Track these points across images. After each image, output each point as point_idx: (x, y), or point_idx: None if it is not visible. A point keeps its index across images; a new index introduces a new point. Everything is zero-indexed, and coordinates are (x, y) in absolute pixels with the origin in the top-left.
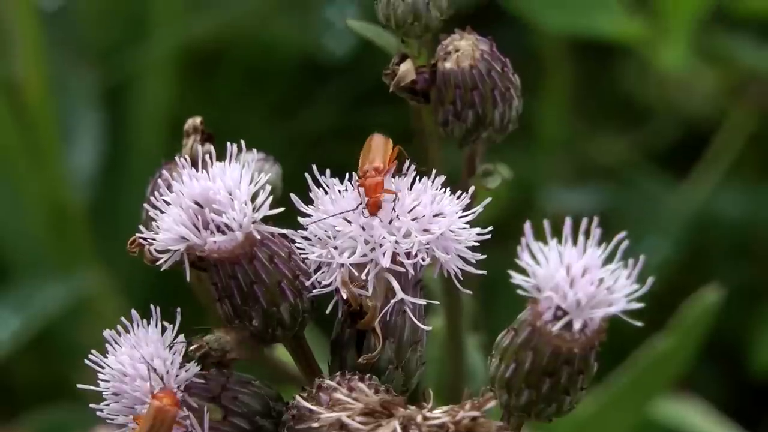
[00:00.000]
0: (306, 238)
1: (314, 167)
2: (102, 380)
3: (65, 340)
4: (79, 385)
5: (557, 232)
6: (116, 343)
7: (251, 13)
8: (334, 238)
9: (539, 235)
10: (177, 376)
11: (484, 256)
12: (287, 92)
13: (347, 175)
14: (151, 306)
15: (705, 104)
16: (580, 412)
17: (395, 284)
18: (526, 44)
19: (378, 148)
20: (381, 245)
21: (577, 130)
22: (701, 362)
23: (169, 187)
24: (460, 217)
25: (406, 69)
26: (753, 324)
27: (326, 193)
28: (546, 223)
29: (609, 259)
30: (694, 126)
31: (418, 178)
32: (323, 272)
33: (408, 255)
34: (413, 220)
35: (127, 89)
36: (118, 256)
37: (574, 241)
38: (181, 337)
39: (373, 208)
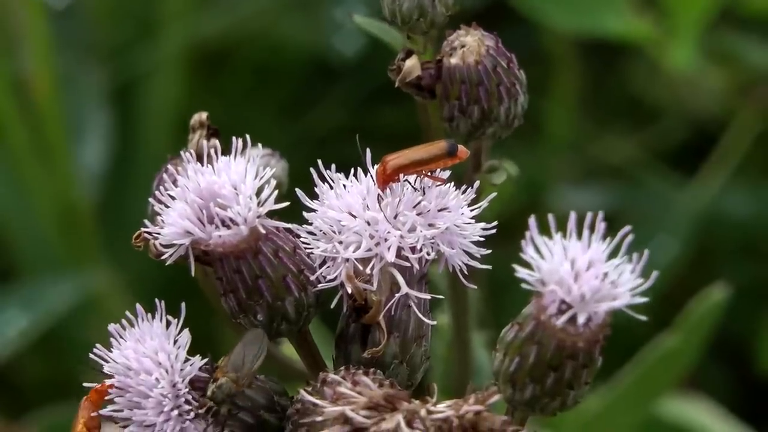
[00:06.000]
0: (311, 233)
1: (320, 163)
2: (107, 374)
3: (73, 338)
4: (84, 384)
5: (565, 230)
6: (121, 337)
7: (260, 13)
8: (339, 232)
9: (545, 231)
10: (181, 369)
11: (489, 251)
12: (296, 91)
13: (352, 170)
14: (156, 301)
15: (713, 104)
16: (587, 408)
17: (400, 279)
18: (535, 44)
19: (422, 150)
20: (386, 240)
21: (586, 130)
22: (708, 361)
23: (174, 181)
24: (465, 213)
25: (412, 65)
26: (760, 323)
27: (331, 188)
28: (551, 218)
29: (614, 254)
30: (702, 126)
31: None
32: (328, 267)
33: (413, 249)
34: (418, 214)
35: (136, 88)
36: (127, 253)
37: (579, 236)
38: (186, 331)
39: (380, 177)
